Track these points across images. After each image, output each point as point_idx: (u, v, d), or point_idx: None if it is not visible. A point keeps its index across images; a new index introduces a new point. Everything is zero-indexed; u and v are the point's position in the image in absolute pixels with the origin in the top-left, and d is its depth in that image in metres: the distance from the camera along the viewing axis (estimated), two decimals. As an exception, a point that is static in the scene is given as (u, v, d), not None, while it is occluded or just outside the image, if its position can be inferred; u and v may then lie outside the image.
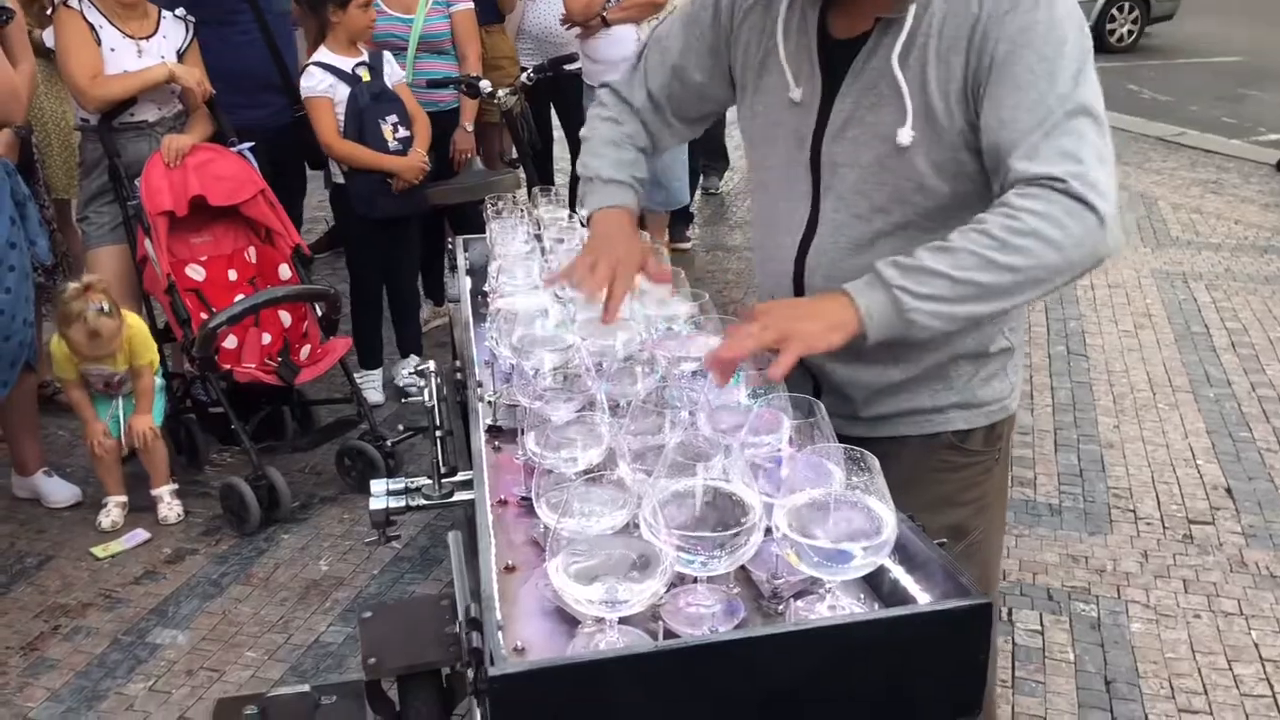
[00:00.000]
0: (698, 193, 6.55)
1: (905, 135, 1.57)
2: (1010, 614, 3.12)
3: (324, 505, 3.71)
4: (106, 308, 3.35)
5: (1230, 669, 2.91)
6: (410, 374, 4.34)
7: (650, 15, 4.63)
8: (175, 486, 3.64)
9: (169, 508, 3.58)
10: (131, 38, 3.71)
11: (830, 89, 1.65)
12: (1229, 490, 3.75)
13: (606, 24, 4.69)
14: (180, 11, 3.91)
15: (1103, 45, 12.66)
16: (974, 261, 1.43)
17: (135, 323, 3.54)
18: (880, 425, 1.75)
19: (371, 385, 4.36)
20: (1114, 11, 12.70)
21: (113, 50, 3.67)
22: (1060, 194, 1.43)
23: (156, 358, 3.62)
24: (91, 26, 3.65)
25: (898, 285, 1.44)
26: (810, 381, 1.79)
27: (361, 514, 3.58)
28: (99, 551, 3.42)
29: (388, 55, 4.22)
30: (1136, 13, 12.80)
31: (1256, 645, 2.99)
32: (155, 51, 3.75)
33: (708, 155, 6.70)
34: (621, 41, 4.69)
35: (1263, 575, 3.29)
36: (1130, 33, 12.86)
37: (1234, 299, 5.39)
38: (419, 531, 3.52)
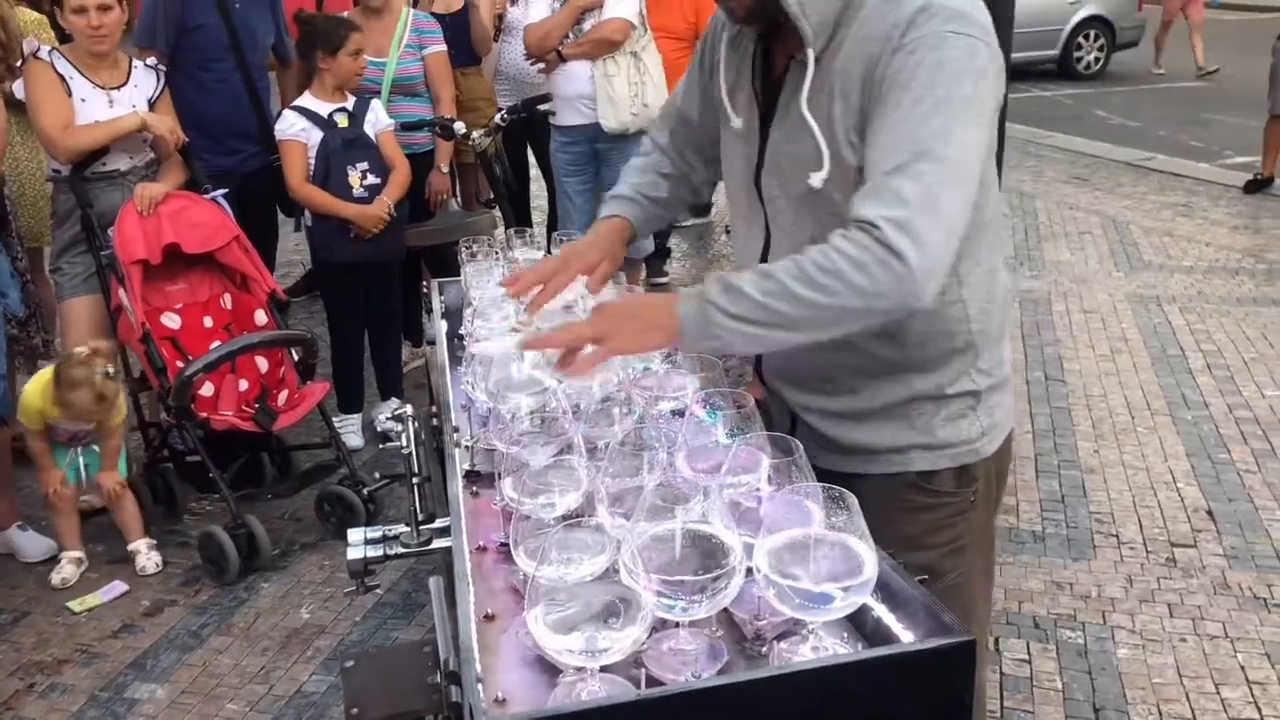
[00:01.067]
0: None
1: (817, 179, 1.62)
2: (997, 643, 3.11)
3: (304, 552, 3.68)
4: (111, 371, 3.36)
5: (1218, 692, 2.90)
6: (388, 419, 4.31)
7: (606, 53, 4.65)
8: (152, 541, 3.60)
9: (147, 558, 3.54)
10: (102, 88, 3.71)
11: (766, 123, 1.72)
12: (1210, 512, 3.76)
13: (563, 59, 4.72)
14: (151, 61, 3.92)
15: (1070, 72, 12.87)
16: (780, 290, 1.48)
17: None
18: (849, 460, 1.75)
19: (351, 430, 4.34)
20: (1080, 39, 12.89)
21: (83, 100, 3.67)
22: (873, 241, 1.45)
23: (125, 413, 3.60)
24: (62, 77, 3.64)
25: (711, 300, 1.51)
26: (789, 415, 1.82)
27: (342, 561, 3.52)
28: (75, 605, 3.38)
29: (375, 103, 4.23)
30: (1102, 40, 13.00)
31: (1243, 668, 2.99)
32: (126, 101, 3.75)
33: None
34: (577, 78, 4.71)
35: (1246, 597, 3.29)
36: (1097, 60, 13.06)
37: (1208, 321, 5.44)
38: (400, 577, 3.48)
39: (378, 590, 3.42)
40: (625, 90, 4.68)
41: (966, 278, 1.66)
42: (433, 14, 5.05)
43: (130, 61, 3.83)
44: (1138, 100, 11.56)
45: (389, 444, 4.27)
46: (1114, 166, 8.62)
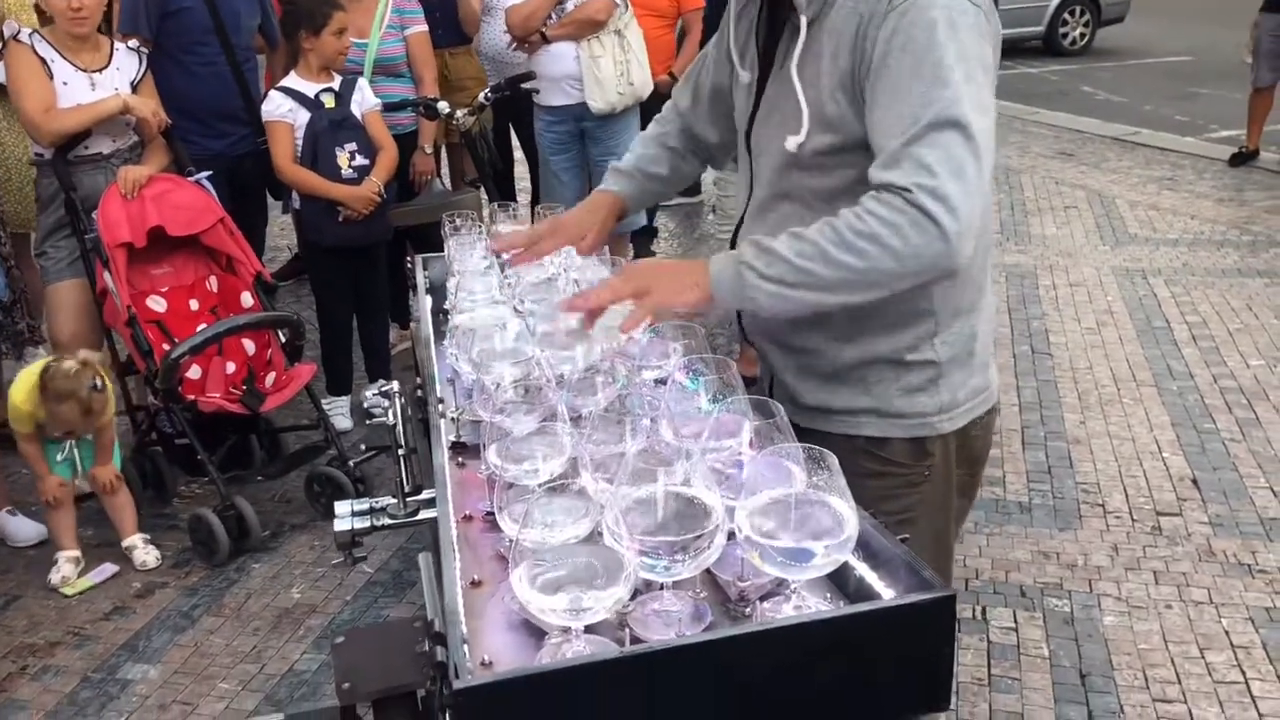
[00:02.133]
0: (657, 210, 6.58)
1: (793, 143, 1.65)
2: (984, 612, 3.13)
3: (294, 533, 3.69)
4: (100, 384, 3.31)
5: (1203, 657, 2.93)
6: (374, 394, 4.30)
7: (590, 33, 4.64)
8: (146, 535, 3.57)
9: (145, 553, 3.51)
10: (84, 70, 3.69)
11: (764, 78, 1.75)
12: (1195, 481, 3.79)
13: (546, 40, 4.71)
14: (134, 43, 3.90)
15: (1056, 49, 12.86)
16: (815, 253, 1.50)
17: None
18: (814, 417, 1.78)
19: (340, 412, 4.34)
20: (1066, 15, 12.89)
21: (65, 84, 3.64)
22: (907, 204, 1.46)
23: (113, 408, 3.54)
24: (43, 60, 3.62)
25: (746, 261, 1.54)
26: (770, 375, 1.86)
27: (333, 541, 3.55)
28: (66, 589, 3.38)
29: (362, 83, 4.21)
30: (1088, 16, 12.99)
31: (1227, 633, 3.02)
32: (109, 83, 3.72)
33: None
34: (562, 58, 4.70)
35: (1231, 564, 3.32)
36: (1083, 35, 13.05)
37: (1193, 293, 5.46)
38: (391, 556, 3.50)
39: (367, 569, 3.44)
40: (611, 70, 4.67)
41: None
42: None
43: (112, 44, 3.80)
44: (1123, 76, 11.57)
45: (373, 419, 4.26)
46: (1100, 141, 8.63)
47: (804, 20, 1.61)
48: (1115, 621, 3.08)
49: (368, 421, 4.37)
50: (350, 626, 3.15)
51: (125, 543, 3.53)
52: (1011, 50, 12.35)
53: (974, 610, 3.15)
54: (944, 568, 1.92)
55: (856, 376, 1.75)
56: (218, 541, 3.46)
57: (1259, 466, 3.86)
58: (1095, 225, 6.59)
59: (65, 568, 3.44)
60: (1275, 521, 3.53)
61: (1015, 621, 3.10)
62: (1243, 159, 7.64)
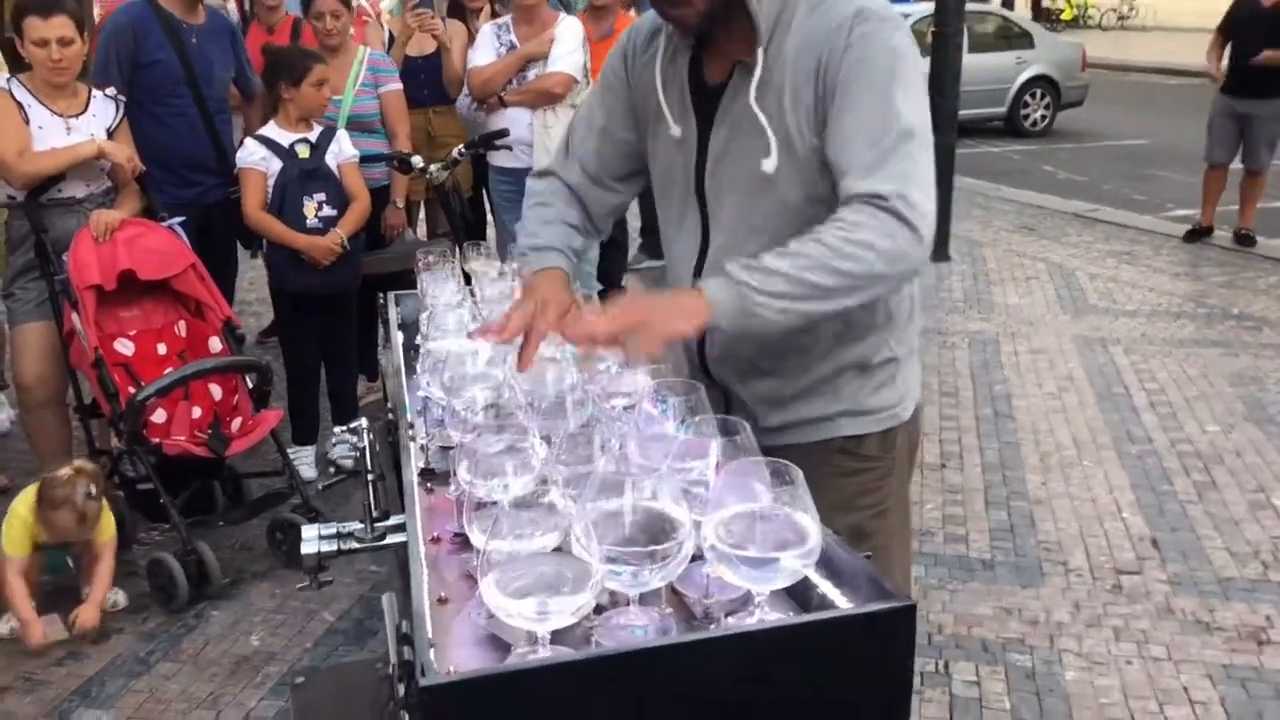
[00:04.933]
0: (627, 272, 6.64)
1: (770, 164, 1.74)
2: (947, 666, 3.14)
3: (255, 580, 3.64)
4: (94, 491, 3.29)
5: (1162, 712, 2.95)
6: (343, 431, 4.29)
7: (546, 103, 4.80)
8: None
9: (114, 593, 3.44)
10: (60, 115, 3.71)
11: (705, 128, 1.82)
12: (1154, 541, 3.83)
13: (504, 104, 4.85)
14: (111, 90, 3.93)
15: (1018, 129, 13.20)
16: (813, 264, 1.60)
17: None
18: (780, 435, 1.87)
19: (305, 461, 4.32)
20: (1027, 98, 13.24)
21: (41, 128, 3.67)
22: (885, 212, 1.61)
23: (115, 531, 3.46)
24: (20, 105, 3.65)
25: (742, 281, 1.60)
26: (723, 401, 1.92)
27: (294, 589, 3.52)
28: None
29: (341, 134, 4.26)
30: (1049, 99, 13.36)
31: (1186, 689, 3.04)
32: (85, 129, 3.75)
33: (645, 231, 6.88)
34: (516, 123, 4.84)
35: (1189, 621, 3.35)
36: (1043, 118, 13.40)
37: (1151, 361, 5.56)
38: (353, 604, 3.46)
39: (328, 617, 3.40)
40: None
41: None
42: (408, 55, 5.14)
43: (89, 91, 3.84)
44: (1083, 156, 11.87)
45: (338, 473, 4.25)
46: (1061, 217, 8.82)
47: (760, 53, 1.71)
48: (1076, 677, 3.10)
49: (331, 470, 4.35)
50: (309, 667, 3.11)
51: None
52: (975, 130, 12.68)
53: (937, 664, 3.15)
54: (905, 561, 2.08)
55: (828, 386, 1.87)
56: (177, 587, 3.41)
57: (1215, 528, 3.91)
58: (1056, 296, 6.72)
59: (13, 623, 3.32)
60: (1232, 581, 3.57)
61: (978, 676, 3.10)
62: (1197, 235, 7.83)
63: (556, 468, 1.44)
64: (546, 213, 2.03)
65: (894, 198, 1.60)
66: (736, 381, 1.92)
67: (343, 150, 4.21)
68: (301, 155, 4.09)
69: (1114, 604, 3.46)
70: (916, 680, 2.99)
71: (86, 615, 3.29)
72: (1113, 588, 3.55)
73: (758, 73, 1.71)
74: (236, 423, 3.77)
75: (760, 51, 1.71)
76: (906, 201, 1.60)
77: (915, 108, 1.66)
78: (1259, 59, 7.03)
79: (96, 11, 5.80)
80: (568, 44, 4.82)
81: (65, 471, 3.28)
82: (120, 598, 3.46)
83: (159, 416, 3.63)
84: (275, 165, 4.05)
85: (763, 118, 1.72)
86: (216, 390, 3.79)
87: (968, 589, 3.55)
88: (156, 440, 3.53)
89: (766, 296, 1.59)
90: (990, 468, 4.42)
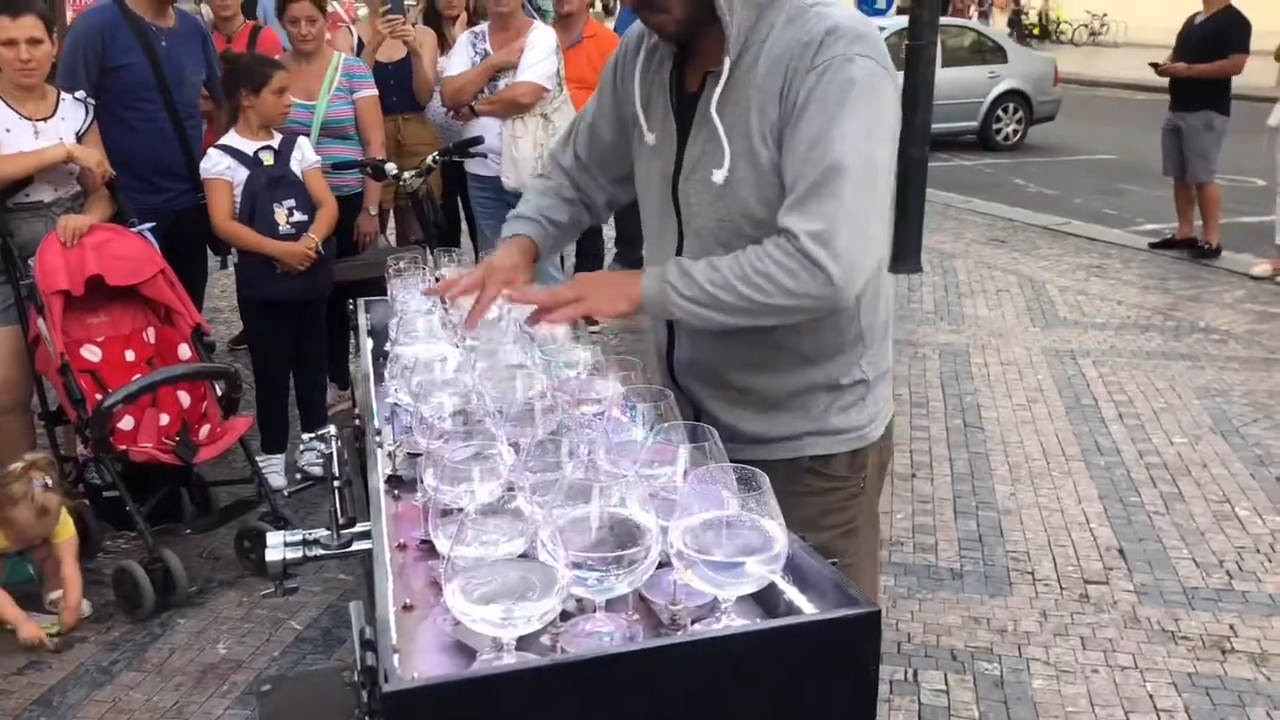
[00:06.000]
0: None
1: (719, 175, 1.75)
2: (915, 675, 3.15)
3: (222, 589, 3.61)
4: (49, 483, 3.25)
5: (1128, 719, 2.97)
6: (311, 439, 4.29)
7: (515, 113, 4.86)
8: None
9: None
10: (28, 119, 3.68)
11: (683, 135, 1.83)
12: (1121, 551, 3.86)
13: (475, 114, 4.92)
14: (80, 94, 3.90)
15: (989, 143, 13.30)
16: (723, 282, 1.67)
17: None
18: (748, 450, 1.85)
19: (274, 470, 4.28)
20: (999, 112, 13.35)
21: (8, 131, 3.63)
22: (796, 251, 1.63)
23: (74, 531, 3.43)
24: (-14, 108, 3.62)
25: (669, 281, 1.70)
26: (692, 414, 1.92)
27: (261, 597, 3.49)
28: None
29: (302, 141, 4.23)
30: (1021, 113, 13.48)
31: (1151, 697, 3.06)
32: (53, 133, 3.72)
33: (620, 240, 6.88)
34: (487, 132, 4.90)
35: (1155, 630, 3.38)
36: (1015, 132, 13.51)
37: (1119, 374, 5.61)
38: (321, 613, 3.44)
39: (296, 625, 3.37)
40: (530, 152, 4.85)
41: None
42: (377, 61, 5.12)
43: (58, 94, 3.80)
44: (1054, 170, 11.98)
45: (305, 482, 4.24)
46: (1031, 230, 8.90)
47: (727, 62, 1.71)
48: (1044, 685, 3.12)
49: (299, 478, 4.33)
50: (275, 675, 3.08)
51: (54, 595, 3.41)
52: (947, 144, 12.77)
53: (906, 673, 3.16)
54: (873, 576, 2.08)
55: (796, 404, 1.87)
56: (143, 595, 3.37)
57: (1182, 539, 3.95)
58: (1026, 308, 6.77)
59: None
60: (1197, 590, 3.61)
61: (947, 684, 3.11)
62: (1165, 245, 7.94)
63: (524, 474, 1.43)
64: (541, 184, 2.17)
65: (806, 238, 1.61)
66: (704, 395, 1.93)
67: (305, 157, 4.19)
68: (267, 163, 4.06)
69: (1081, 613, 3.48)
70: (885, 689, 3.01)
71: (67, 619, 3.29)
72: (1080, 597, 3.58)
73: (721, 82, 1.72)
74: (205, 430, 3.74)
75: (726, 61, 1.71)
76: (820, 241, 1.61)
77: (859, 144, 1.62)
78: (1162, 66, 7.52)
79: (70, 15, 5.76)
80: (538, 53, 4.84)
81: (17, 466, 3.25)
82: (84, 606, 3.41)
83: (126, 424, 3.60)
84: (241, 174, 4.02)
85: (721, 128, 1.73)
86: (185, 397, 3.76)
87: (936, 598, 3.56)
88: (123, 447, 3.49)
89: (682, 299, 1.69)
90: (960, 478, 4.45)
